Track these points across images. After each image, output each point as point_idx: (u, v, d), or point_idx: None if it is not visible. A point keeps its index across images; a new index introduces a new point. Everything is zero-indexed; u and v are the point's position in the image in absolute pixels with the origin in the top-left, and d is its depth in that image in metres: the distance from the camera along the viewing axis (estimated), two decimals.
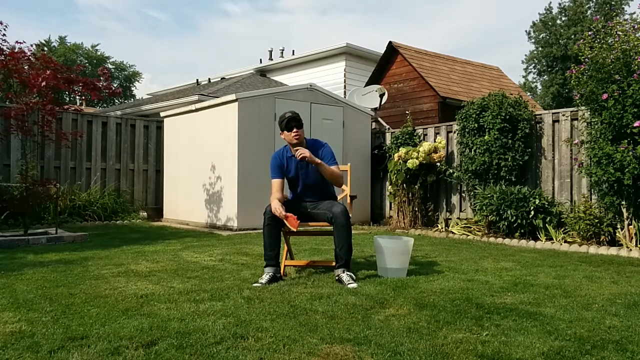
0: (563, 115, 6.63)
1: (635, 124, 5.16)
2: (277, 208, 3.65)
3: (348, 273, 3.62)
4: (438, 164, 7.76)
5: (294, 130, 3.81)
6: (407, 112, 9.71)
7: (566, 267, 4.37)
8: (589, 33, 5.72)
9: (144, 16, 65.86)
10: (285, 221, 3.65)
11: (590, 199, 6.12)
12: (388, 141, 8.85)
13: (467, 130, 7.15)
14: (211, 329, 2.50)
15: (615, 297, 3.26)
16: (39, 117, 6.08)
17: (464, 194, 7.72)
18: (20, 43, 5.97)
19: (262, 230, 3.80)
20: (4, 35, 5.89)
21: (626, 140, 5.26)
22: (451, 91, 10.77)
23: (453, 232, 7.06)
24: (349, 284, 3.49)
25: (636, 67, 5.29)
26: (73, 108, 7.37)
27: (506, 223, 6.32)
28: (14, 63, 5.74)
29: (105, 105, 30.19)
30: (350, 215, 3.88)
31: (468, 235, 6.80)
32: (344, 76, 13.81)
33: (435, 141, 7.88)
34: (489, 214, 6.49)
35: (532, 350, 2.23)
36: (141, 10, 64.56)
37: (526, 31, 31.91)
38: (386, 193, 8.81)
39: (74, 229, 7.13)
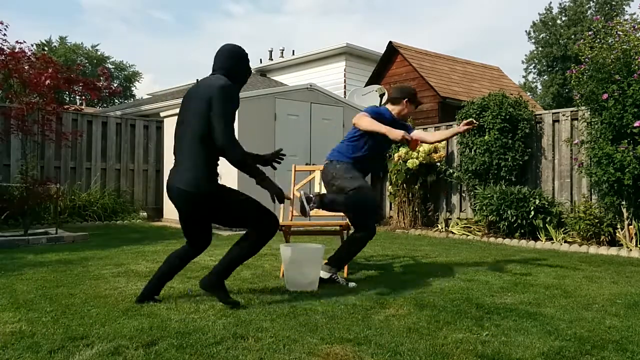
0: (563, 115, 6.63)
1: (636, 124, 5.16)
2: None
3: (333, 270, 3.58)
4: (438, 164, 7.76)
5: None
6: None
7: (566, 267, 4.37)
8: (589, 33, 5.72)
9: (148, 17, 65.86)
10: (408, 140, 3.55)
11: (590, 199, 6.12)
12: None
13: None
14: (211, 329, 2.50)
15: (615, 297, 3.26)
16: (39, 117, 6.08)
17: (464, 194, 7.72)
18: (21, 43, 5.97)
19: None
20: (4, 35, 5.90)
21: (626, 140, 5.26)
22: (451, 91, 10.76)
23: (453, 232, 7.06)
24: (349, 284, 3.50)
25: (636, 67, 5.29)
26: (73, 108, 7.37)
27: (506, 223, 6.32)
28: (14, 63, 5.74)
29: (105, 105, 30.14)
30: None
31: (468, 236, 6.80)
32: (344, 76, 13.80)
33: None
34: (489, 214, 6.49)
35: (532, 351, 2.23)
36: (145, 11, 64.55)
37: (526, 31, 31.84)
38: (386, 193, 8.80)
39: (74, 229, 7.12)
